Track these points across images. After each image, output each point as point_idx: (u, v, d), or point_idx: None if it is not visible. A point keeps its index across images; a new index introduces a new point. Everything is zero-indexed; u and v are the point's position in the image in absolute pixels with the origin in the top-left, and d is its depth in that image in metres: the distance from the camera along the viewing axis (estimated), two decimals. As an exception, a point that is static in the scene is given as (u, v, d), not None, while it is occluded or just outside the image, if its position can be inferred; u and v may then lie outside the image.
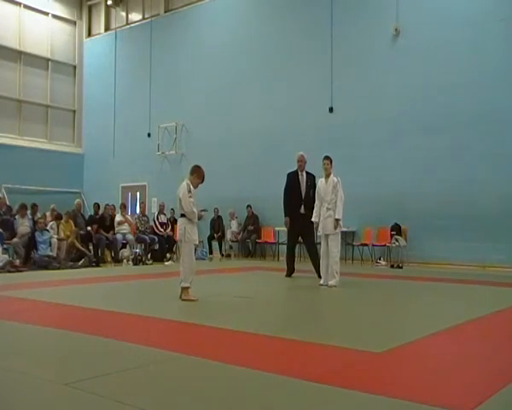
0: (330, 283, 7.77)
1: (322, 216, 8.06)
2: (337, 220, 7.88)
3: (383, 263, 12.41)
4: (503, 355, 3.99)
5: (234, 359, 3.65)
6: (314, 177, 9.40)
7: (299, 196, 9.23)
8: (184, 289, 6.31)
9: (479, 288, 8.27)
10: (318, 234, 8.41)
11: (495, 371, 3.49)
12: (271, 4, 15.63)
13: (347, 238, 13.19)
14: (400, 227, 12.30)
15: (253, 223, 14.68)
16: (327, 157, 8.21)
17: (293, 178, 9.45)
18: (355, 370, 3.47)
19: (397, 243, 12.11)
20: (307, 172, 9.42)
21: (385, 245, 12.47)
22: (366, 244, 12.78)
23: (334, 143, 13.67)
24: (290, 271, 9.47)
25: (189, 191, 6.33)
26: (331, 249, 7.89)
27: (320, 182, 8.24)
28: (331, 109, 14.02)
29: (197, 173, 6.50)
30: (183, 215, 6.39)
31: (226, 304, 6.31)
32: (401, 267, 11.73)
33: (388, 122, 12.94)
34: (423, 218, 12.18)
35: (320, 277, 8.38)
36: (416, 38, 12.72)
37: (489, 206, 11.33)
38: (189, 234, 6.29)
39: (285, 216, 9.45)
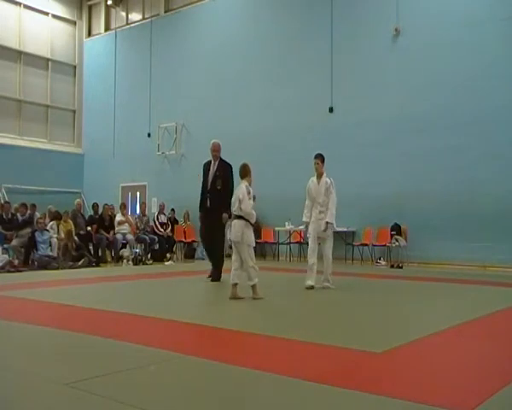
0: (325, 284, 7.57)
1: (313, 217, 7.64)
2: (327, 223, 7.52)
3: (383, 263, 12.41)
4: (503, 355, 3.98)
5: (234, 359, 3.65)
6: (230, 167, 8.43)
7: (205, 189, 8.48)
8: (254, 286, 6.48)
9: (479, 288, 8.27)
10: (308, 235, 7.81)
11: (495, 371, 3.48)
12: (271, 4, 15.63)
13: (347, 238, 13.20)
14: (400, 227, 12.30)
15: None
16: (317, 156, 7.75)
17: (205, 168, 8.63)
18: (355, 370, 3.47)
19: (397, 243, 12.11)
20: (223, 162, 8.54)
21: (385, 245, 12.46)
22: (366, 244, 12.78)
23: (334, 143, 13.68)
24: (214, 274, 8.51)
25: (249, 193, 6.60)
26: (326, 253, 7.61)
27: (311, 181, 7.77)
28: (331, 109, 14.02)
29: (249, 173, 6.82)
30: (238, 217, 6.57)
31: (226, 304, 6.31)
32: (401, 267, 11.73)
33: (388, 122, 12.94)
34: (423, 218, 12.18)
35: (213, 279, 8.39)
36: (416, 38, 12.72)
37: (489, 206, 11.33)
38: (247, 237, 6.56)
39: (199, 211, 8.76)
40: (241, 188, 6.65)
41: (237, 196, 6.60)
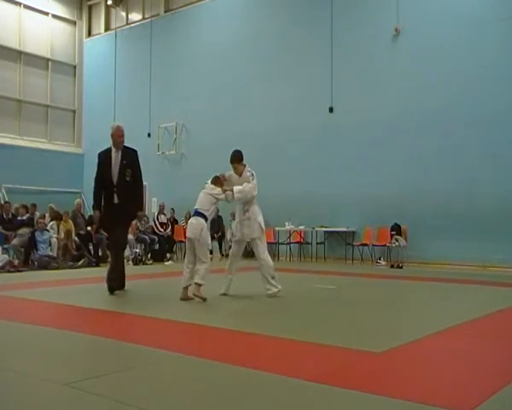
0: (271, 291, 6.69)
1: (238, 217, 6.82)
2: (230, 192, 6.60)
3: (383, 263, 12.41)
4: (503, 355, 3.99)
5: (233, 359, 3.65)
6: (135, 152, 7.30)
7: (110, 182, 6.99)
8: (198, 285, 6.29)
9: (479, 288, 8.27)
10: (234, 239, 7.08)
11: (495, 371, 3.48)
12: (272, 4, 15.63)
13: (347, 238, 13.20)
14: (400, 227, 12.30)
15: (253, 223, 14.67)
16: (231, 160, 6.75)
17: (104, 158, 7.18)
18: (355, 370, 3.47)
19: (397, 243, 12.11)
20: (127, 148, 7.24)
21: (385, 245, 12.46)
22: (366, 244, 12.77)
23: (334, 143, 13.70)
24: (111, 286, 6.95)
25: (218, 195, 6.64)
26: (259, 256, 6.70)
27: (232, 176, 6.86)
28: (331, 109, 14.01)
29: (219, 184, 6.69)
30: (199, 214, 6.47)
31: (225, 304, 6.31)
32: (401, 267, 11.73)
33: (388, 122, 12.94)
34: (423, 218, 12.18)
35: (110, 290, 6.90)
36: (416, 38, 12.72)
37: (489, 206, 11.34)
38: (204, 236, 6.38)
39: (93, 209, 7.35)
40: (212, 189, 6.63)
41: (204, 195, 6.59)
